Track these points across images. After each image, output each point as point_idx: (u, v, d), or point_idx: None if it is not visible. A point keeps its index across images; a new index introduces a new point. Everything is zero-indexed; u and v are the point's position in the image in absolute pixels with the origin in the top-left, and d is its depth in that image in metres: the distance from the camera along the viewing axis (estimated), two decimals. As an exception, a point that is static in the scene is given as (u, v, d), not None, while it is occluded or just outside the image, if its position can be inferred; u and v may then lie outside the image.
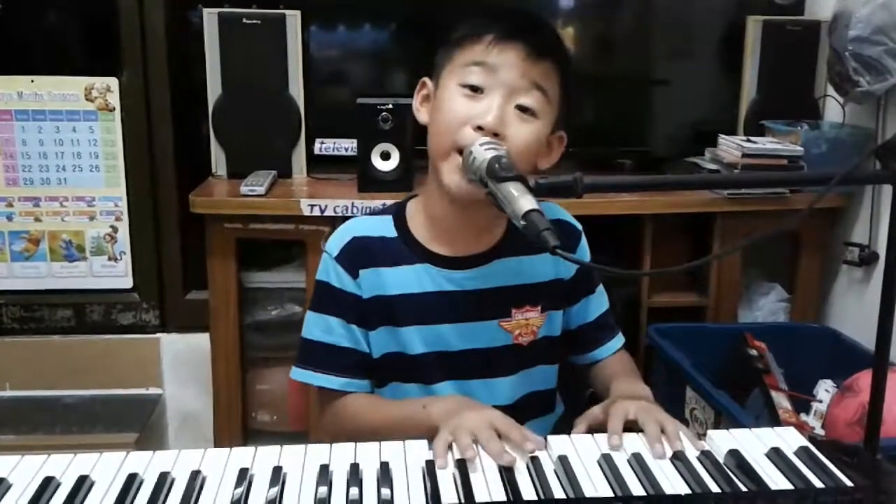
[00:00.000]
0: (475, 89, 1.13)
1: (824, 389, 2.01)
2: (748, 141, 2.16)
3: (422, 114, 1.23)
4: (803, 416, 1.95)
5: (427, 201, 1.25)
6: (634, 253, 2.19)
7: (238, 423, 2.21)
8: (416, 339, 1.23)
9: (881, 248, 2.15)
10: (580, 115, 2.44)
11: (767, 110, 2.33)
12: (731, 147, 2.16)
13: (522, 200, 0.92)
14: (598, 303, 1.34)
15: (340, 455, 0.98)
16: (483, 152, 1.04)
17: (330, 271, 1.24)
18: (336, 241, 1.25)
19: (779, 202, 2.14)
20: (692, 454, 1.01)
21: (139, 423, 2.37)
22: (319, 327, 1.24)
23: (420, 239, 1.24)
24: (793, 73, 2.34)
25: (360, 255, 1.23)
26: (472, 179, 1.06)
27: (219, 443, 2.21)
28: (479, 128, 1.11)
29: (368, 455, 0.99)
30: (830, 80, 2.14)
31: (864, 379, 1.71)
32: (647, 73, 2.44)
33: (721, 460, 0.99)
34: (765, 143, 2.15)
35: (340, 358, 1.23)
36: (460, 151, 1.12)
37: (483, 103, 1.12)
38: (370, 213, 1.32)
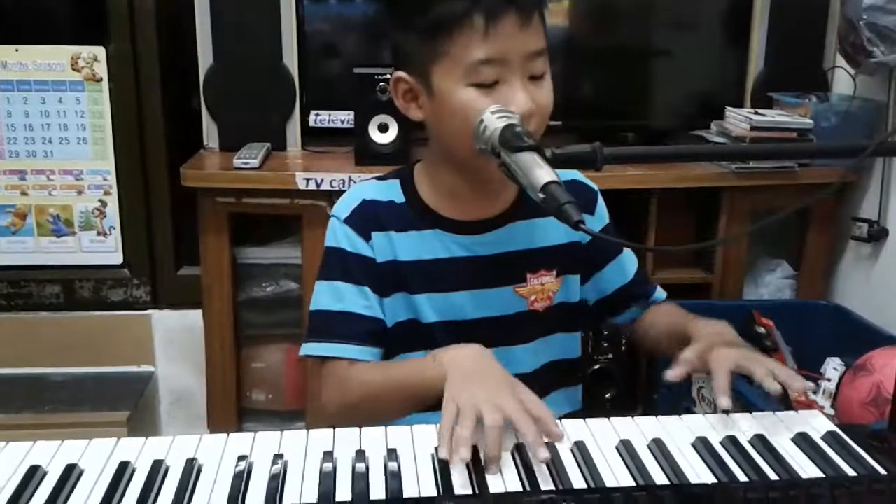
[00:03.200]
0: (489, 85, 1.05)
1: (832, 368, 1.97)
2: (756, 113, 2.10)
3: (413, 111, 1.14)
4: (812, 395, 1.91)
5: (434, 169, 1.19)
6: (639, 227, 2.14)
7: (232, 402, 2.16)
8: (428, 307, 1.17)
9: (891, 224, 2.11)
10: (582, 88, 2.37)
11: (775, 82, 2.27)
12: (738, 120, 2.10)
13: (540, 171, 0.86)
14: (630, 261, 1.29)
15: (345, 441, 0.93)
16: (495, 121, 0.98)
17: (339, 236, 1.17)
18: (345, 205, 1.19)
19: (786, 176, 2.09)
20: (716, 438, 0.96)
21: (130, 401, 2.33)
22: (329, 295, 1.16)
23: (430, 203, 1.18)
24: (801, 43, 2.27)
25: (371, 218, 1.17)
26: (484, 149, 1.00)
27: (213, 422, 2.17)
28: None
29: (374, 441, 0.93)
30: (842, 51, 2.08)
31: (878, 358, 1.67)
32: (651, 44, 2.36)
33: (746, 446, 0.94)
34: (773, 116, 2.09)
35: (353, 325, 1.15)
36: None
37: (502, 93, 1.05)
38: (376, 177, 1.25)
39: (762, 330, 1.96)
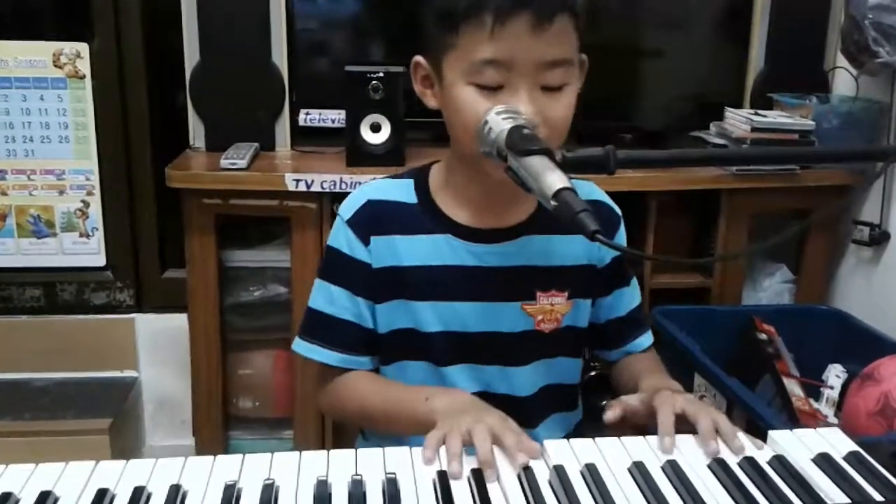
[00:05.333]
0: (492, 88, 1.00)
1: (835, 375, 1.93)
2: (756, 114, 2.05)
3: (429, 98, 1.09)
4: (814, 404, 1.86)
5: (450, 168, 1.14)
6: (637, 231, 2.09)
7: (218, 410, 2.09)
8: (430, 316, 1.12)
9: (893, 227, 2.07)
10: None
11: (775, 82, 2.22)
12: (738, 121, 2.05)
13: (552, 177, 0.80)
14: (631, 296, 1.23)
15: (339, 465, 0.87)
16: (500, 122, 0.92)
17: (340, 237, 1.14)
18: (350, 204, 1.14)
19: (787, 179, 2.05)
20: (733, 459, 0.90)
21: (114, 407, 2.28)
22: (324, 297, 1.15)
23: (443, 207, 1.12)
24: (802, 43, 2.22)
25: (374, 220, 1.13)
26: (488, 152, 0.94)
27: (198, 430, 2.11)
28: None
29: (372, 465, 0.87)
30: (844, 51, 2.03)
31: (886, 366, 1.62)
32: (648, 43, 2.31)
33: (765, 468, 0.89)
34: (775, 117, 2.04)
35: (341, 332, 1.13)
36: None
37: (505, 99, 0.98)
38: (390, 176, 1.20)
39: (763, 336, 1.91)
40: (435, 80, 1.06)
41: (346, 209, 1.14)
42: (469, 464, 0.88)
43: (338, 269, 1.13)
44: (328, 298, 1.14)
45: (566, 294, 1.14)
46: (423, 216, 1.12)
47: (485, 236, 1.11)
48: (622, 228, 1.21)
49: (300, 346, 1.16)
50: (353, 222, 1.13)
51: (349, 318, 1.13)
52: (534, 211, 1.13)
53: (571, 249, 1.14)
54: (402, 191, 1.14)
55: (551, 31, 0.98)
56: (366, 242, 1.12)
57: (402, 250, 1.11)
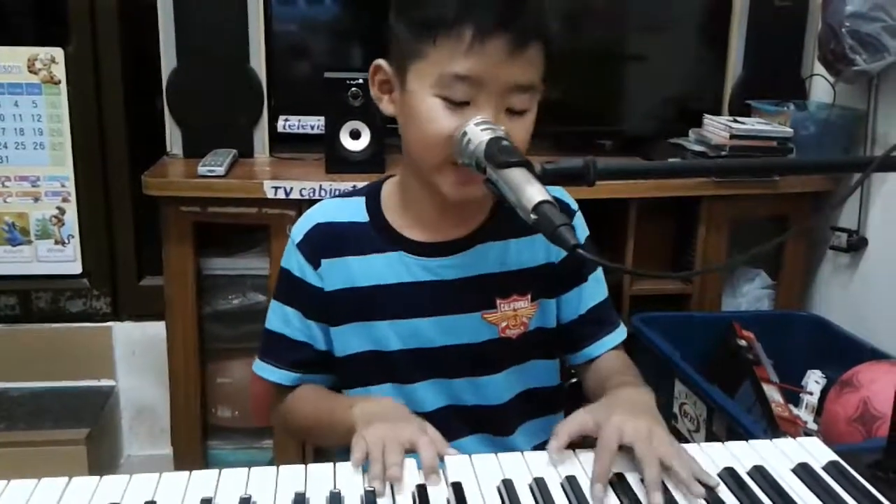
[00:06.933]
0: (458, 103, 0.98)
1: (814, 381, 1.94)
2: (735, 121, 2.06)
3: (386, 104, 1.08)
4: (794, 410, 1.87)
5: (404, 184, 1.13)
6: (617, 237, 2.09)
7: (197, 419, 2.08)
8: (390, 335, 1.11)
9: (870, 233, 2.08)
10: (556, 93, 2.31)
11: (753, 89, 2.23)
12: (717, 128, 2.06)
13: (531, 190, 0.80)
14: (592, 292, 1.19)
15: (318, 479, 0.86)
16: (479, 133, 0.91)
17: (292, 259, 1.14)
18: (300, 227, 1.14)
19: (766, 186, 2.06)
20: (714, 469, 0.90)
21: (91, 417, 2.26)
22: (278, 317, 1.15)
23: (394, 224, 1.12)
24: (780, 50, 2.24)
25: (324, 242, 1.12)
26: (466, 164, 0.93)
27: (176, 439, 2.08)
28: None
29: (350, 479, 0.86)
30: (822, 59, 2.04)
31: (864, 373, 1.63)
32: (627, 49, 2.31)
33: (745, 478, 0.89)
34: (753, 124, 2.06)
35: (294, 352, 1.14)
36: (455, 163, 0.98)
37: (469, 116, 0.97)
38: (342, 195, 1.19)
39: (743, 343, 1.92)
40: (396, 86, 1.04)
41: (297, 231, 1.14)
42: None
43: (290, 290, 1.14)
44: (283, 319, 1.14)
45: (529, 297, 1.13)
46: (375, 235, 1.11)
47: (438, 250, 1.10)
48: (577, 219, 1.18)
49: (257, 366, 1.17)
50: (302, 246, 1.12)
51: (303, 339, 1.14)
52: (486, 218, 1.12)
53: (529, 251, 1.13)
54: (352, 210, 1.13)
55: (525, 56, 0.97)
56: (315, 266, 1.11)
57: (355, 271, 1.10)
